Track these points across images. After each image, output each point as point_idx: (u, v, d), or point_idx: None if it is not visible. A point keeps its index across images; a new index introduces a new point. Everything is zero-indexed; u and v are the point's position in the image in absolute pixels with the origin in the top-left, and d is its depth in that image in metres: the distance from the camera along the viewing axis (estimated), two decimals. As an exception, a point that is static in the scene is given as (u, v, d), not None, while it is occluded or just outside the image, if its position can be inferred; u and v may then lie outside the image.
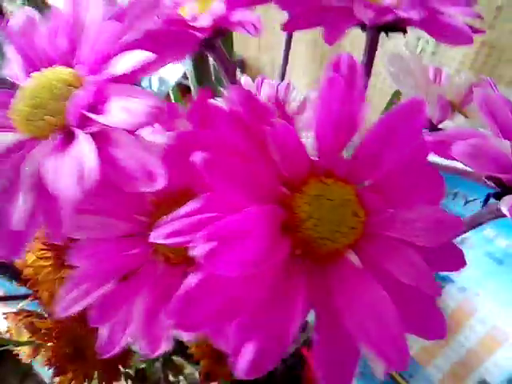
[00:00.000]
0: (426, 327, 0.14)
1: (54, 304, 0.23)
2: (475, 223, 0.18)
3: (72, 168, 0.13)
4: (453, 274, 0.42)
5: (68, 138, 0.14)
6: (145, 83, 0.31)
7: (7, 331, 0.29)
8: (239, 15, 0.17)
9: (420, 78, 0.23)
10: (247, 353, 0.12)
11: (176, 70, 0.30)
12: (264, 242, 0.12)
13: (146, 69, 0.14)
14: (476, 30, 0.20)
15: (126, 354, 0.24)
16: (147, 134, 0.14)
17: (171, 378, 0.41)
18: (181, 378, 0.42)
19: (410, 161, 0.15)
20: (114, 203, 0.15)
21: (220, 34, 0.19)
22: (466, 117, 0.24)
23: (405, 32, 0.22)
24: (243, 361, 0.12)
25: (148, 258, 0.15)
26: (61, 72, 0.15)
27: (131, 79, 0.14)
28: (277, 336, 0.12)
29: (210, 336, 0.13)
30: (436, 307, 0.14)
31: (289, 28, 0.20)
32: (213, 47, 0.20)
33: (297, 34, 0.28)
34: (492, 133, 0.15)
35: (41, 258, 0.24)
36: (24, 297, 0.29)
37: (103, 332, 0.15)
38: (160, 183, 0.13)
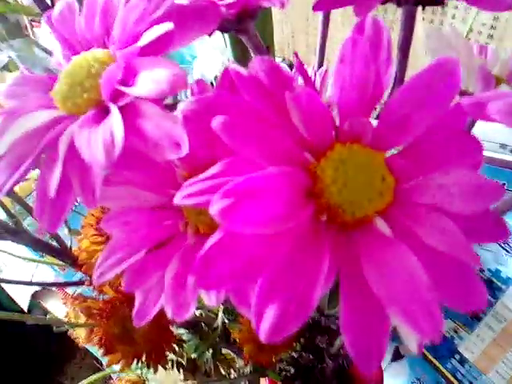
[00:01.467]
0: (463, 298, 0.13)
1: (107, 286, 0.24)
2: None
3: (102, 138, 0.13)
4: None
5: (103, 113, 0.15)
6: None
7: (65, 316, 0.31)
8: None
9: (463, 54, 0.22)
10: (269, 315, 0.12)
11: (215, 66, 0.30)
12: (284, 203, 0.12)
13: (171, 41, 0.14)
14: None
15: (170, 337, 0.25)
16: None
17: (222, 370, 0.41)
18: (232, 371, 0.42)
19: (444, 125, 0.14)
20: (146, 176, 0.15)
21: (249, 14, 0.19)
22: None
23: (442, 4, 0.21)
24: (265, 323, 0.12)
25: (179, 229, 0.15)
26: (97, 53, 0.16)
27: (159, 52, 0.14)
28: (299, 299, 0.12)
29: (234, 300, 0.13)
30: (475, 277, 0.13)
31: (319, 7, 0.20)
32: (246, 32, 0.21)
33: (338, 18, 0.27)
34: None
35: (93, 243, 0.25)
36: (81, 283, 0.30)
37: (137, 300, 0.15)
38: (184, 150, 0.13)
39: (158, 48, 0.14)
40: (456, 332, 0.62)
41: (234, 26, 0.20)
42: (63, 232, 0.30)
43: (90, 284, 0.28)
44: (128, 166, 0.15)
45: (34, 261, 0.34)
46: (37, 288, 0.81)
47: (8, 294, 0.81)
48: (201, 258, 0.11)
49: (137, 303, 0.15)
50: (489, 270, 0.60)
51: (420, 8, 0.21)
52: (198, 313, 0.42)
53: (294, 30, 0.67)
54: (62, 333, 0.32)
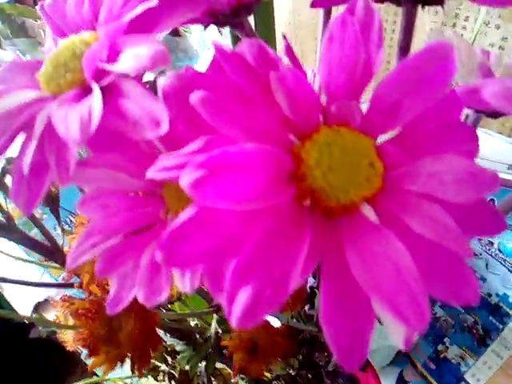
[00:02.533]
0: (453, 290, 0.12)
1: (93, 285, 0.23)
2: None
3: (79, 114, 0.13)
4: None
5: (85, 93, 0.14)
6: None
7: (55, 319, 0.31)
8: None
9: (464, 55, 0.21)
10: (242, 298, 0.11)
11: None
12: (261, 182, 0.11)
13: (156, 21, 0.14)
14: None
15: (156, 340, 0.24)
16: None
17: (216, 385, 0.40)
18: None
19: (438, 112, 0.14)
20: (128, 160, 0.15)
21: (245, 8, 0.19)
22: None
23: (442, 4, 0.20)
24: (237, 306, 0.11)
25: (159, 216, 0.15)
26: (84, 35, 0.15)
27: (144, 32, 0.14)
28: (275, 283, 0.11)
29: (209, 287, 0.12)
30: (466, 269, 0.12)
31: (317, 4, 0.20)
32: (242, 26, 0.20)
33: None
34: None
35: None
36: (71, 285, 0.30)
37: (112, 287, 0.14)
38: (164, 128, 0.13)
39: (144, 28, 0.14)
40: (462, 358, 0.60)
41: (230, 20, 0.19)
42: (56, 232, 0.29)
43: (81, 286, 0.28)
44: (109, 148, 0.15)
45: (24, 260, 0.33)
46: (39, 299, 0.80)
47: (12, 307, 0.81)
48: (170, 232, 0.11)
49: (112, 291, 0.14)
50: (496, 294, 0.58)
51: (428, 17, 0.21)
52: (192, 324, 0.40)
53: (301, 35, 0.68)
54: (64, 346, 0.32)
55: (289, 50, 0.14)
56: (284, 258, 0.11)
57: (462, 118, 0.23)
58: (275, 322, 0.36)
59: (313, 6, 0.20)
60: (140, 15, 0.14)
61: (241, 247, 0.11)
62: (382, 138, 0.14)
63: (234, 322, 0.11)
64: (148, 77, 0.16)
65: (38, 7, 0.18)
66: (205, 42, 0.65)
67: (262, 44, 0.13)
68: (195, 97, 0.12)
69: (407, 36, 0.21)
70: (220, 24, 0.20)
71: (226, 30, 0.25)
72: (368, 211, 0.13)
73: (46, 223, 0.31)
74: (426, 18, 0.58)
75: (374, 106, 0.13)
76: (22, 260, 0.33)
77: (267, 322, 0.30)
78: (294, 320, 0.36)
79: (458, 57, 0.22)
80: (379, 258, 0.12)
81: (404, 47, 0.21)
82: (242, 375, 0.30)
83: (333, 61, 0.13)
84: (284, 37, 0.14)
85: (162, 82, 0.12)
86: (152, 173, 0.11)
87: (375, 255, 0.12)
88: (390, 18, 0.59)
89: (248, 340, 0.27)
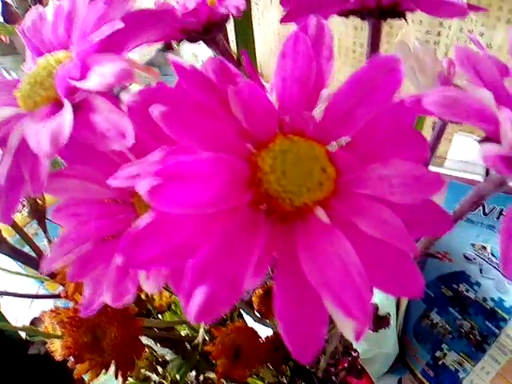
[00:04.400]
0: (400, 284, 0.13)
1: (77, 294, 0.24)
2: (478, 198, 0.17)
3: (50, 128, 0.14)
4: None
5: (58, 109, 0.15)
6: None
7: (44, 330, 0.31)
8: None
9: (429, 66, 0.22)
10: (198, 295, 0.12)
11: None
12: (215, 188, 0.12)
13: (125, 40, 0.15)
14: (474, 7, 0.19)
15: (139, 347, 0.25)
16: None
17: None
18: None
19: (388, 120, 0.15)
20: (98, 170, 0.16)
21: (215, 25, 0.20)
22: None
23: (404, 17, 0.21)
24: (193, 304, 0.12)
25: (129, 223, 0.16)
26: (59, 54, 0.16)
27: (115, 51, 0.15)
28: (230, 283, 0.12)
29: (173, 287, 0.13)
30: (413, 265, 0.13)
31: (285, 20, 0.21)
32: (215, 42, 0.22)
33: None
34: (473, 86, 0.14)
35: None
36: (58, 296, 0.30)
37: (85, 292, 0.15)
38: (129, 140, 0.14)
39: (114, 47, 0.15)
40: (460, 364, 0.60)
41: (202, 37, 0.21)
42: (43, 243, 0.30)
43: (66, 296, 0.28)
44: (81, 160, 0.16)
45: (20, 274, 0.34)
46: (35, 315, 0.80)
47: (9, 323, 0.81)
48: (130, 236, 0.11)
49: (85, 295, 0.15)
50: (491, 299, 0.59)
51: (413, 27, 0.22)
52: (183, 333, 0.41)
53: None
54: (62, 364, 0.32)
55: (248, 64, 0.15)
56: (238, 259, 0.12)
57: (428, 125, 0.24)
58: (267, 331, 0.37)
59: (282, 22, 0.21)
60: (110, 35, 0.15)
61: (197, 249, 0.12)
62: (336, 145, 0.15)
63: (191, 318, 0.12)
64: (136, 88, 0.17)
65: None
66: (196, 56, 0.66)
67: (223, 60, 0.14)
68: (155, 111, 0.13)
69: (374, 48, 0.23)
70: (193, 40, 0.21)
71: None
72: (321, 213, 0.13)
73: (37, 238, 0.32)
74: (410, 27, 0.59)
75: (328, 115, 0.14)
76: (18, 274, 0.34)
77: (250, 328, 0.30)
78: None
79: (422, 67, 0.23)
80: (329, 257, 0.13)
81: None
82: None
83: (286, 75, 0.14)
84: (244, 52, 0.15)
85: (125, 98, 0.13)
86: (113, 181, 0.12)
87: (325, 254, 0.13)
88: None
89: (230, 345, 0.27)
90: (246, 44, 0.30)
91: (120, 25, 0.14)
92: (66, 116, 0.14)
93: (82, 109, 0.15)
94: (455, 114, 0.13)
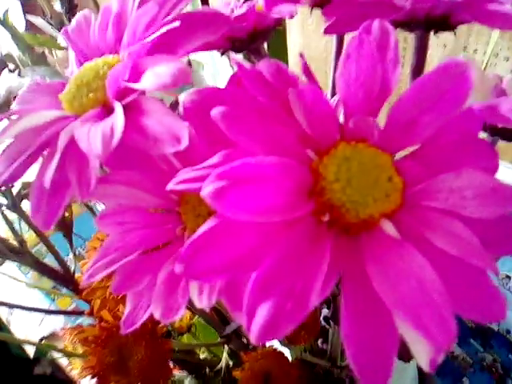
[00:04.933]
0: (479, 308, 0.12)
1: (105, 311, 0.23)
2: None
3: (101, 130, 0.13)
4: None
5: (107, 112, 0.15)
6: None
7: (64, 347, 0.30)
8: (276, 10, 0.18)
9: (477, 80, 0.22)
10: (262, 312, 0.11)
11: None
12: (280, 194, 0.11)
13: (177, 42, 0.14)
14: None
15: (168, 372, 0.24)
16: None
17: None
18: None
19: (456, 128, 0.14)
20: (147, 177, 0.15)
21: (261, 34, 0.19)
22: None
23: (454, 30, 0.21)
24: (257, 321, 0.11)
25: (176, 234, 0.15)
26: (107, 58, 0.16)
27: (166, 52, 0.14)
28: (296, 298, 0.11)
29: (227, 304, 0.12)
30: (491, 286, 0.12)
31: (329, 31, 0.20)
32: (258, 52, 0.21)
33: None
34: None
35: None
36: (80, 312, 0.29)
37: (128, 306, 0.14)
38: (184, 143, 0.13)
39: (165, 50, 0.14)
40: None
41: (247, 46, 0.20)
42: (69, 257, 0.29)
43: (91, 313, 0.27)
44: (129, 166, 0.15)
45: (34, 287, 0.33)
46: (44, 334, 0.79)
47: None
48: (190, 244, 0.11)
49: (127, 310, 0.14)
50: (515, 330, 0.56)
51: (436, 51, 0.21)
52: (201, 356, 0.39)
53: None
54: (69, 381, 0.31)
55: (306, 68, 0.14)
56: (304, 273, 0.11)
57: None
58: (288, 355, 0.35)
59: (326, 32, 0.20)
60: (162, 37, 0.14)
61: (261, 261, 0.11)
62: (402, 154, 0.14)
63: (253, 338, 0.10)
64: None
65: (60, 34, 0.18)
66: (219, 73, 0.66)
67: (279, 63, 0.14)
68: (216, 111, 0.12)
69: (420, 60, 0.22)
70: (237, 49, 0.20)
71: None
72: (389, 226, 0.12)
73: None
74: (434, 51, 0.59)
75: (392, 123, 0.13)
76: (32, 286, 0.33)
77: (280, 353, 0.29)
78: (307, 353, 0.35)
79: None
80: (402, 273, 0.11)
81: (416, 73, 0.22)
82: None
83: (351, 77, 0.13)
84: (301, 55, 0.14)
85: (182, 98, 0.13)
86: (172, 185, 0.11)
87: (398, 270, 0.12)
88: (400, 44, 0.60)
89: (260, 371, 0.26)
90: (280, 57, 0.30)
91: (176, 24, 0.13)
92: (118, 118, 0.13)
93: (131, 111, 0.14)
94: (536, 121, 0.12)
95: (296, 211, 0.12)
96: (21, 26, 0.48)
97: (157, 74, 0.13)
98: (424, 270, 0.11)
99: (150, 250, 0.14)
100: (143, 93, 0.14)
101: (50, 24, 0.33)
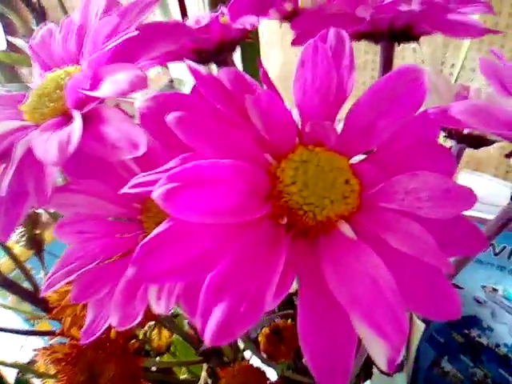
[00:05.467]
0: (435, 305, 0.12)
1: (74, 328, 0.22)
2: (504, 220, 0.16)
3: (58, 138, 0.13)
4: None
5: (67, 121, 0.15)
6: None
7: (36, 368, 0.29)
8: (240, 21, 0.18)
9: (442, 89, 0.22)
10: (217, 314, 0.11)
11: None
12: (234, 196, 0.11)
13: (137, 51, 0.14)
14: (490, 30, 0.19)
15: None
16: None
17: None
18: None
19: (413, 132, 0.14)
20: (106, 186, 0.15)
21: (228, 46, 0.20)
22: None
23: (417, 40, 0.21)
24: (211, 323, 0.10)
25: (138, 242, 0.15)
26: (68, 68, 0.16)
27: (125, 61, 0.14)
28: (250, 299, 0.11)
29: (185, 309, 0.12)
30: (447, 283, 0.12)
31: (296, 43, 0.21)
32: (226, 64, 0.21)
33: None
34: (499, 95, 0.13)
35: (66, 283, 0.24)
36: (51, 333, 0.29)
37: (88, 317, 0.14)
38: (142, 149, 0.13)
39: (126, 57, 0.15)
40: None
41: (214, 58, 0.20)
42: (39, 275, 0.29)
43: (62, 333, 0.26)
44: (90, 174, 0.15)
45: (6, 307, 0.32)
46: (25, 360, 0.77)
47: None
48: (142, 246, 0.10)
49: (87, 320, 0.14)
50: (505, 344, 0.56)
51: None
52: (181, 377, 0.39)
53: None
54: None
55: (265, 76, 0.14)
56: (259, 275, 0.11)
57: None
58: (272, 374, 0.34)
59: (293, 44, 0.20)
60: (122, 47, 0.14)
61: (215, 263, 0.11)
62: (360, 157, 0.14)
63: (208, 339, 0.10)
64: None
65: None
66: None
67: (238, 71, 0.14)
68: (171, 117, 0.12)
69: (386, 71, 0.22)
70: (204, 61, 0.20)
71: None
72: (345, 228, 0.13)
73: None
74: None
75: (349, 127, 0.14)
76: (9, 308, 0.32)
77: (257, 369, 0.28)
78: (290, 371, 0.35)
79: (437, 90, 0.23)
80: (357, 273, 0.12)
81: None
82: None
83: (306, 84, 0.13)
84: (260, 64, 0.14)
85: (138, 105, 0.13)
86: (126, 189, 0.11)
87: (353, 270, 0.12)
88: (370, 56, 0.62)
89: (237, 387, 0.25)
90: (253, 69, 0.30)
91: (133, 33, 0.14)
92: (76, 125, 0.13)
93: (91, 120, 0.14)
94: (486, 123, 0.12)
95: (251, 214, 0.12)
96: (1, 45, 0.48)
97: (115, 81, 0.13)
98: (378, 269, 0.11)
99: (111, 260, 0.14)
100: (103, 101, 0.14)
101: (27, 42, 0.33)
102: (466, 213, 0.13)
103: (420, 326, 0.58)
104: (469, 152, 0.23)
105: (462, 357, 0.57)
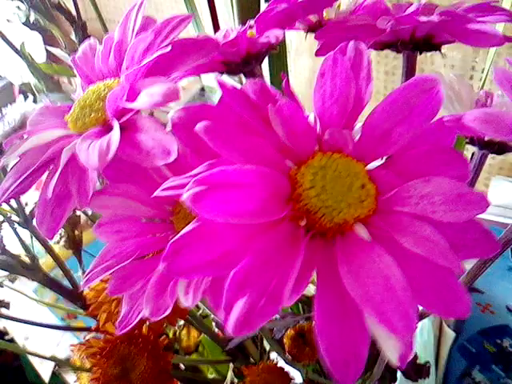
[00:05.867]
0: (446, 304, 0.12)
1: (109, 324, 0.24)
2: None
3: (99, 145, 0.14)
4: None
5: (107, 130, 0.16)
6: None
7: (71, 363, 0.31)
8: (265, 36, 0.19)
9: (465, 97, 0.23)
10: (238, 307, 0.12)
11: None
12: (257, 199, 0.12)
13: (172, 64, 0.16)
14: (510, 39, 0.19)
15: (169, 380, 0.24)
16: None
17: None
18: None
19: (429, 138, 0.15)
20: (141, 189, 0.16)
21: (255, 57, 0.21)
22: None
23: (439, 50, 0.22)
24: (233, 315, 0.11)
25: (169, 241, 0.16)
26: (109, 81, 0.17)
27: (162, 74, 0.16)
28: (270, 294, 0.12)
29: (211, 303, 0.13)
30: (458, 283, 0.12)
31: (320, 53, 0.22)
32: (253, 75, 0.22)
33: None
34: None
35: (103, 281, 0.25)
36: (87, 329, 0.30)
37: (123, 309, 0.15)
38: (173, 156, 0.14)
39: (160, 71, 0.16)
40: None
41: (241, 69, 0.21)
42: (77, 274, 0.30)
43: (97, 329, 0.28)
44: (126, 179, 0.16)
45: (44, 304, 0.34)
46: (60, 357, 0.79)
47: (33, 367, 0.81)
48: (173, 243, 0.12)
49: (122, 312, 0.15)
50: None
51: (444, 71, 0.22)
52: (210, 376, 0.40)
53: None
54: None
55: (287, 86, 0.15)
56: (278, 271, 0.12)
57: (468, 156, 0.23)
58: (297, 376, 0.35)
59: (317, 55, 0.21)
60: (157, 61, 0.16)
61: (238, 260, 0.12)
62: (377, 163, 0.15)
63: (230, 330, 0.11)
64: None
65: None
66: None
67: (262, 82, 0.15)
68: (200, 125, 0.13)
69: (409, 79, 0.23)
70: (232, 72, 0.22)
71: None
72: (361, 230, 0.13)
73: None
74: (442, 71, 0.60)
75: (366, 134, 0.14)
76: (48, 305, 0.34)
77: (280, 368, 0.29)
78: (315, 374, 0.35)
79: (460, 97, 0.23)
80: (370, 272, 0.12)
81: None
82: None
83: (325, 94, 0.14)
84: (282, 74, 0.15)
85: (171, 115, 0.14)
86: (159, 192, 0.12)
87: (367, 269, 0.12)
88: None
89: (261, 386, 0.26)
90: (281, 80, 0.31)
91: (166, 49, 0.15)
92: (115, 134, 0.14)
93: (128, 129, 0.15)
94: (497, 130, 0.13)
95: (273, 215, 0.13)
96: (42, 57, 0.51)
97: (150, 94, 0.14)
98: (390, 269, 0.12)
99: (145, 258, 0.16)
100: (139, 112, 0.16)
101: (67, 53, 0.36)
102: (500, 219, 0.13)
103: (450, 335, 0.57)
104: (501, 158, 0.23)
105: (493, 367, 0.56)
